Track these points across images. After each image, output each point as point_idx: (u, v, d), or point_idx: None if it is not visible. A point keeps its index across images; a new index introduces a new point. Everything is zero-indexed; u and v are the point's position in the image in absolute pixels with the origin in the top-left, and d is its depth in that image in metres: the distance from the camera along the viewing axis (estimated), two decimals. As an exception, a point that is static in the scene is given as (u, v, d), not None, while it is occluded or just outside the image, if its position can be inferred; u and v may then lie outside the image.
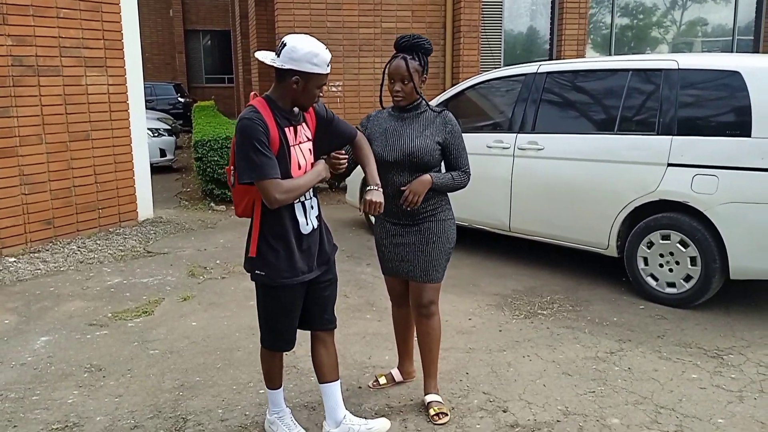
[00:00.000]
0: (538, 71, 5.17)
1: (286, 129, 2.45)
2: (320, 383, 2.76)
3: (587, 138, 4.79)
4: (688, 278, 4.29)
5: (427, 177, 2.84)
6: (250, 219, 2.56)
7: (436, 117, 2.90)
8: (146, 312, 4.39)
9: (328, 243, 2.69)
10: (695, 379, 3.35)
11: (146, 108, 7.54)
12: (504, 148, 5.22)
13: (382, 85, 3.00)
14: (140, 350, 3.78)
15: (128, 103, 6.81)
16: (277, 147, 2.40)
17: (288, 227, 2.50)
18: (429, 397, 3.04)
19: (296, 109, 2.52)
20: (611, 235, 4.64)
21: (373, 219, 2.53)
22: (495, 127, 5.48)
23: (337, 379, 2.76)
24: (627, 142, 4.55)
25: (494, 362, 3.57)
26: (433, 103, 5.89)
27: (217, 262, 5.63)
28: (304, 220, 2.55)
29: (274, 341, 2.69)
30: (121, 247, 6.10)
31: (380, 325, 4.12)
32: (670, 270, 4.37)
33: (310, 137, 2.60)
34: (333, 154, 2.64)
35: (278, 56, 2.41)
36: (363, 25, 9.43)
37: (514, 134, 5.19)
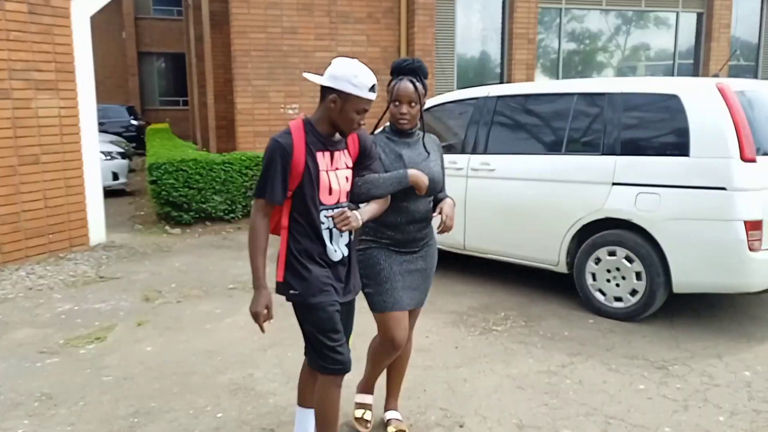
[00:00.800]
0: (489, 95, 5.34)
1: (319, 153, 2.39)
2: (299, 405, 2.74)
3: (537, 159, 4.96)
4: (634, 292, 4.46)
5: (451, 200, 2.82)
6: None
7: (429, 140, 2.86)
8: (99, 338, 4.31)
9: (354, 276, 2.61)
10: (642, 389, 3.48)
11: (98, 131, 7.43)
12: (458, 169, 5.35)
13: (387, 108, 2.79)
14: (93, 377, 3.70)
15: (80, 126, 6.71)
16: (301, 170, 2.35)
17: (315, 248, 2.43)
18: (389, 414, 3.07)
19: (337, 135, 2.46)
20: (561, 251, 4.79)
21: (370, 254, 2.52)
22: (449, 149, 5.60)
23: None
24: (574, 163, 4.73)
25: (451, 378, 3.63)
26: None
27: (173, 285, 5.56)
28: (331, 246, 2.45)
29: (338, 359, 2.46)
30: (72, 273, 5.96)
31: (338, 345, 4.13)
32: (617, 285, 4.54)
33: (350, 165, 2.52)
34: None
35: (322, 75, 2.41)
36: (319, 48, 9.54)
37: (467, 155, 5.33)
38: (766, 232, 4.04)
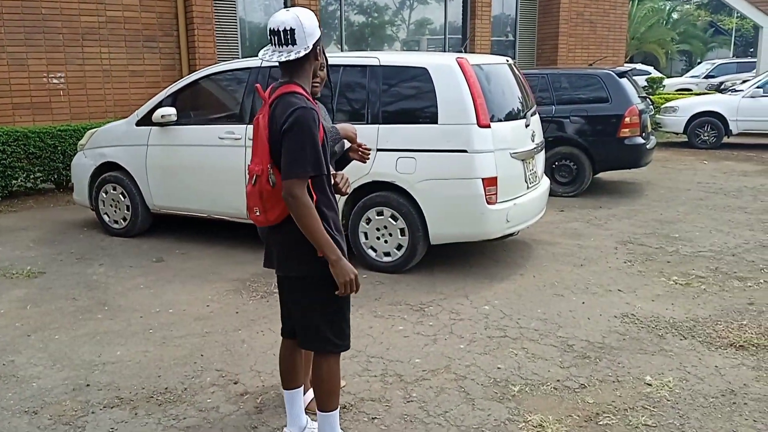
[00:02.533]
0: (263, 65, 5.44)
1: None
2: (286, 389, 2.69)
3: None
4: (399, 247, 4.95)
5: None
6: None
7: (320, 106, 2.90)
8: None
9: None
10: (401, 330, 3.94)
11: None
12: (236, 139, 5.39)
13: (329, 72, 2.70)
14: None
15: None
16: (322, 137, 2.31)
17: (336, 217, 2.43)
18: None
19: None
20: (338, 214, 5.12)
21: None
22: (226, 119, 5.63)
23: (301, 386, 2.74)
24: (344, 131, 5.05)
25: (229, 342, 3.77)
26: (161, 96, 5.85)
27: None
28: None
29: (349, 333, 2.55)
30: None
31: (112, 323, 4.05)
32: (386, 241, 5.00)
33: None
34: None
35: (293, 44, 2.27)
36: (85, 12, 8.80)
37: (245, 125, 5.40)
38: (501, 187, 4.73)
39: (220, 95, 5.92)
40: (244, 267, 5.20)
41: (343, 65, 5.13)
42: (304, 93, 2.31)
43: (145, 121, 5.78)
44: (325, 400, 2.52)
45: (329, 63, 2.67)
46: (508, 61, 5.43)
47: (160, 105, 5.71)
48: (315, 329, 2.46)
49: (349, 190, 2.52)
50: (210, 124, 5.58)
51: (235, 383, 3.26)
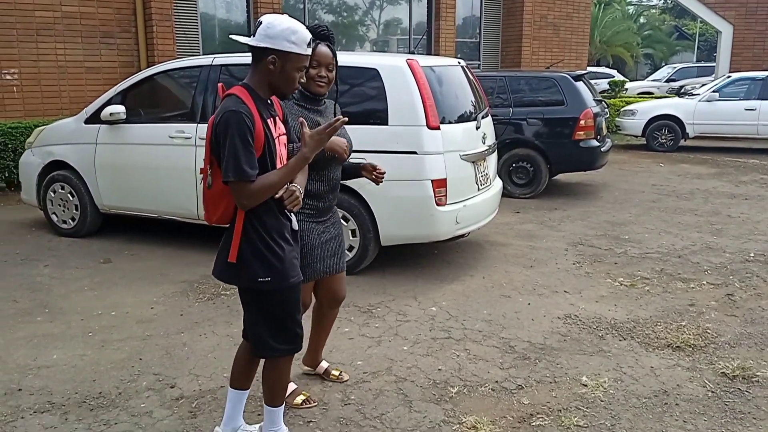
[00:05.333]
0: (213, 63, 5.38)
1: (269, 120, 2.29)
2: (234, 388, 2.67)
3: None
4: (351, 248, 4.93)
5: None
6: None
7: (334, 106, 2.90)
8: None
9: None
10: (347, 332, 3.93)
11: None
12: (186, 138, 5.33)
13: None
14: None
15: None
16: (263, 141, 2.23)
17: (281, 224, 2.35)
18: (325, 363, 3.36)
19: (269, 100, 2.36)
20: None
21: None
22: (176, 118, 5.56)
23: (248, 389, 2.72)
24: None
25: (170, 345, 3.72)
26: (110, 94, 5.75)
27: None
28: (294, 220, 2.45)
29: (297, 337, 2.49)
30: None
31: (52, 325, 3.97)
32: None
33: (284, 131, 2.44)
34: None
35: (253, 35, 2.25)
36: (39, 7, 8.60)
37: (195, 124, 5.33)
38: (450, 189, 4.75)
39: (170, 93, 5.84)
40: (193, 268, 5.14)
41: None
42: (245, 95, 2.25)
43: (94, 119, 5.67)
44: (276, 397, 2.59)
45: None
46: (460, 63, 5.46)
47: (109, 102, 5.62)
48: (257, 336, 2.47)
49: (297, 208, 2.32)
50: (160, 123, 5.50)
51: (172, 387, 3.22)
